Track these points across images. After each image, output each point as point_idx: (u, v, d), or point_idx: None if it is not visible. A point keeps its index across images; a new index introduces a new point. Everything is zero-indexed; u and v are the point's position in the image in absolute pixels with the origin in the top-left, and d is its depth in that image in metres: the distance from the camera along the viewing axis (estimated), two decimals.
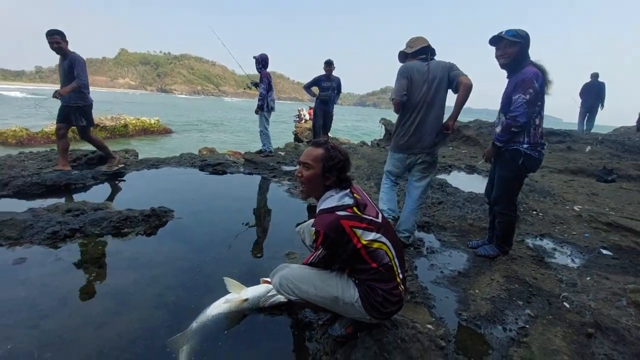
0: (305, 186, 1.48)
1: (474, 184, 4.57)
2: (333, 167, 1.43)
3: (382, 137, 11.62)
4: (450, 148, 7.82)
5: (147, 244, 2.46)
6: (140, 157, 5.55)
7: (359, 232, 1.33)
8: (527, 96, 2.07)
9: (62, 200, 3.18)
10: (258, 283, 1.87)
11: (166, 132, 17.95)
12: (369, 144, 10.33)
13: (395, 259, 1.39)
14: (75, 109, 3.96)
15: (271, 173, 4.66)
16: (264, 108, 5.51)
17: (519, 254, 2.59)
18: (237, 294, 1.65)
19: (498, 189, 2.39)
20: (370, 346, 1.37)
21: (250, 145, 11.71)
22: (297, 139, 10.73)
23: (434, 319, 1.73)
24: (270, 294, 1.67)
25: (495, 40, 2.23)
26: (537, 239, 2.96)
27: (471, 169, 5.39)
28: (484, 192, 2.71)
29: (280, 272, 1.49)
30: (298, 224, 2.00)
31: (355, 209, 1.37)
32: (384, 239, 1.37)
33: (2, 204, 3.00)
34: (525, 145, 2.19)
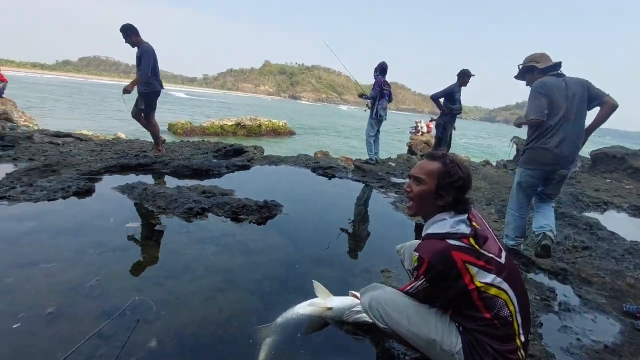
0: (415, 203, 1.30)
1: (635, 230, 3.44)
2: (450, 185, 1.21)
3: (511, 159, 10.10)
4: (609, 181, 6.15)
5: (257, 232, 2.69)
6: (266, 153, 6.24)
7: (473, 270, 1.09)
8: None
9: (202, 182, 3.80)
10: (346, 294, 1.81)
11: (290, 133, 19.95)
12: (494, 165, 9.10)
13: (518, 315, 1.10)
14: (140, 94, 4.26)
15: (378, 183, 4.55)
16: (372, 115, 5.44)
17: None
18: (323, 301, 1.62)
19: None
20: None
21: (362, 153, 11.85)
22: (411, 151, 10.28)
23: None
24: (356, 309, 1.58)
25: None
26: None
27: (638, 210, 4.10)
28: None
29: (372, 292, 1.33)
30: (399, 245, 1.84)
31: (472, 240, 1.13)
32: (505, 286, 1.10)
33: (163, 179, 3.78)
34: None
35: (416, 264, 1.18)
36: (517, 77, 2.67)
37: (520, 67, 2.59)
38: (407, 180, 1.35)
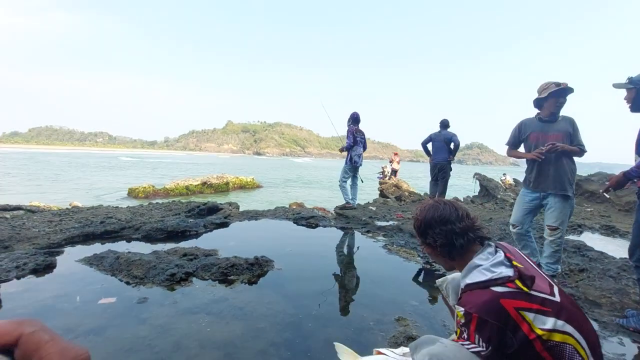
0: (438, 262, 1.28)
1: (620, 249, 3.60)
2: (428, 237, 1.22)
3: (476, 193, 10.63)
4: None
5: (251, 293, 2.43)
6: (241, 209, 6.00)
7: (529, 316, 0.95)
8: None
9: (179, 244, 3.49)
10: (368, 352, 1.61)
11: (258, 187, 19.76)
12: (462, 200, 9.48)
13: (590, 358, 0.95)
14: None
15: (364, 227, 4.48)
16: (347, 161, 5.57)
17: None
18: None
19: (633, 238, 2.15)
20: None
21: (334, 201, 11.87)
22: (383, 194, 10.48)
23: None
24: None
25: (617, 87, 2.22)
26: None
27: (609, 230, 4.34)
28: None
29: (428, 349, 1.12)
30: (439, 280, 1.70)
31: (518, 282, 1.00)
32: (569, 329, 0.95)
33: (133, 245, 3.41)
34: None
35: (463, 320, 1.05)
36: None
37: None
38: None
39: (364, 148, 5.63)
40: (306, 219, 4.80)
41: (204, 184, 17.01)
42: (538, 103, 2.73)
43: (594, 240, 3.70)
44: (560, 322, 0.95)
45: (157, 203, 5.99)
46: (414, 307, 2.26)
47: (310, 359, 1.67)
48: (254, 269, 2.72)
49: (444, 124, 6.13)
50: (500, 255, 1.12)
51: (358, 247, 3.76)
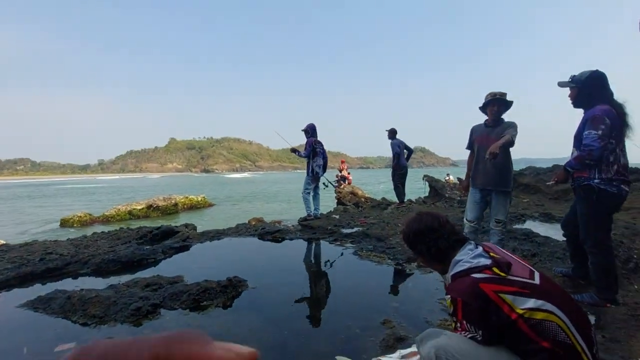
0: (430, 267, 1.45)
1: (559, 232, 4.06)
2: (415, 242, 1.37)
3: (427, 195, 11.27)
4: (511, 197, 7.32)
5: (227, 317, 2.30)
6: (198, 229, 5.68)
7: (508, 298, 1.06)
8: (599, 131, 2.14)
9: (137, 275, 3.19)
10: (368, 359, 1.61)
11: (209, 205, 18.85)
12: (415, 201, 9.99)
13: (576, 335, 1.04)
14: None
15: (331, 236, 4.50)
16: (308, 172, 5.61)
17: None
18: None
19: (582, 228, 2.36)
20: None
21: (292, 213, 11.78)
22: (341, 202, 10.65)
23: None
24: None
25: (561, 86, 2.46)
26: None
27: (547, 217, 4.88)
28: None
29: (433, 341, 1.19)
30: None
31: (495, 269, 1.12)
32: (550, 307, 1.04)
33: (84, 281, 3.04)
34: (596, 181, 2.22)
35: (452, 308, 1.15)
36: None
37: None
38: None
39: (324, 158, 5.70)
40: (271, 233, 4.69)
41: (149, 207, 15.77)
42: (482, 110, 3.03)
43: (537, 227, 4.14)
44: (540, 302, 1.05)
45: (102, 232, 5.42)
46: (395, 309, 2.32)
47: None
48: (228, 291, 2.58)
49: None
50: (479, 249, 1.25)
51: (329, 257, 3.75)
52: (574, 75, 2.37)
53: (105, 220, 14.22)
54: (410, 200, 9.40)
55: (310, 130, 5.66)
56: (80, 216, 14.20)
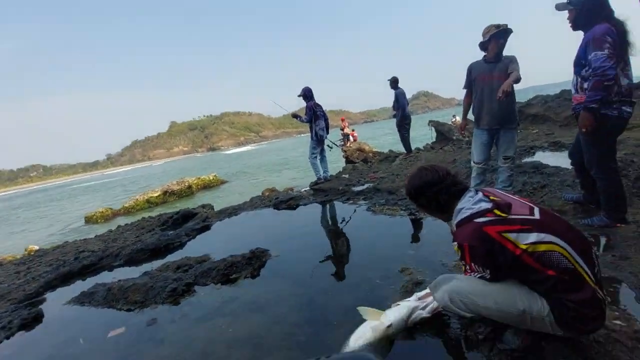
0: (434, 216, 1.51)
1: (569, 161, 4.03)
2: (417, 197, 1.42)
3: (435, 140, 11.13)
4: (519, 131, 7.17)
5: (257, 285, 2.46)
6: (215, 208, 5.87)
7: (511, 236, 1.12)
8: (606, 50, 2.02)
9: (167, 259, 3.38)
10: (386, 307, 1.73)
11: (222, 183, 19.18)
12: (423, 149, 9.90)
13: (578, 259, 1.10)
14: None
15: (343, 196, 4.59)
16: (312, 136, 5.59)
17: None
18: (378, 322, 1.52)
19: (586, 155, 2.35)
20: (568, 355, 1.14)
21: (303, 180, 11.92)
22: (349, 160, 10.67)
23: (617, 313, 1.43)
24: (413, 313, 1.51)
25: (559, 9, 2.30)
26: None
27: (556, 145, 4.82)
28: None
29: (446, 285, 1.30)
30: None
31: (497, 211, 1.18)
32: (552, 238, 1.11)
33: (119, 273, 3.26)
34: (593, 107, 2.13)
35: (460, 253, 1.22)
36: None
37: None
38: None
39: (326, 120, 5.65)
40: (285, 202, 4.81)
41: (165, 192, 16.19)
42: (483, 46, 2.90)
43: (546, 158, 4.11)
44: (542, 235, 1.12)
45: (125, 225, 5.68)
46: (411, 256, 2.43)
47: (335, 328, 1.76)
48: (253, 262, 2.73)
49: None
50: (479, 195, 1.29)
51: (344, 217, 3.87)
52: None
53: (126, 211, 14.73)
54: (417, 149, 9.33)
55: (308, 94, 5.56)
56: (102, 211, 14.75)
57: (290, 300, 2.17)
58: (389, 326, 1.47)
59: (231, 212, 4.93)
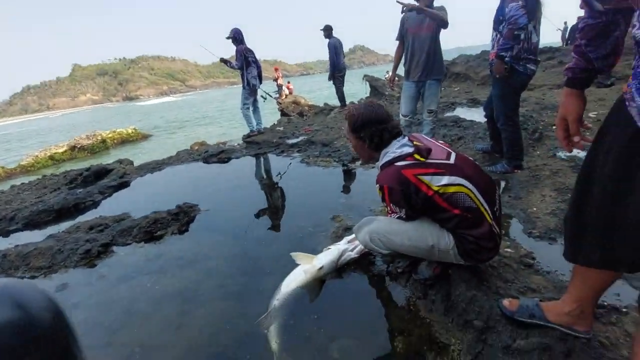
0: (359, 154, 1.52)
1: (482, 115, 4.49)
2: (359, 128, 1.38)
3: (369, 95, 11.36)
4: (442, 88, 7.67)
5: (186, 240, 2.35)
6: (135, 164, 5.31)
7: (426, 179, 1.21)
8: (520, 2, 2.14)
9: (77, 220, 3.00)
10: (317, 253, 1.79)
11: (144, 137, 17.30)
12: (357, 102, 10.08)
13: (481, 199, 1.23)
14: None
15: (277, 149, 4.50)
16: (244, 85, 5.23)
17: (557, 167, 2.56)
18: (310, 265, 1.57)
19: (495, 108, 2.57)
20: (469, 279, 1.32)
21: (233, 133, 11.37)
22: (284, 113, 10.40)
23: (509, 243, 1.69)
24: (342, 255, 1.59)
25: None
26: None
27: (473, 102, 5.29)
28: None
29: (367, 227, 1.40)
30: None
31: (416, 155, 1.26)
32: (461, 181, 1.22)
33: (17, 237, 2.82)
34: (506, 59, 2.30)
35: (381, 194, 1.30)
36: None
37: None
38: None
39: (258, 67, 5.27)
40: (216, 155, 4.54)
41: (73, 148, 14.04)
42: None
43: (464, 113, 4.51)
44: (453, 178, 1.23)
45: (22, 184, 4.84)
46: (342, 204, 2.53)
47: (268, 275, 1.78)
48: (180, 218, 2.57)
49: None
50: (404, 139, 1.36)
51: (278, 169, 3.81)
52: None
53: (25, 171, 12.54)
54: (352, 102, 9.46)
55: (238, 37, 5.05)
56: None
57: (222, 252, 2.13)
58: (320, 268, 1.54)
59: (154, 167, 4.50)
